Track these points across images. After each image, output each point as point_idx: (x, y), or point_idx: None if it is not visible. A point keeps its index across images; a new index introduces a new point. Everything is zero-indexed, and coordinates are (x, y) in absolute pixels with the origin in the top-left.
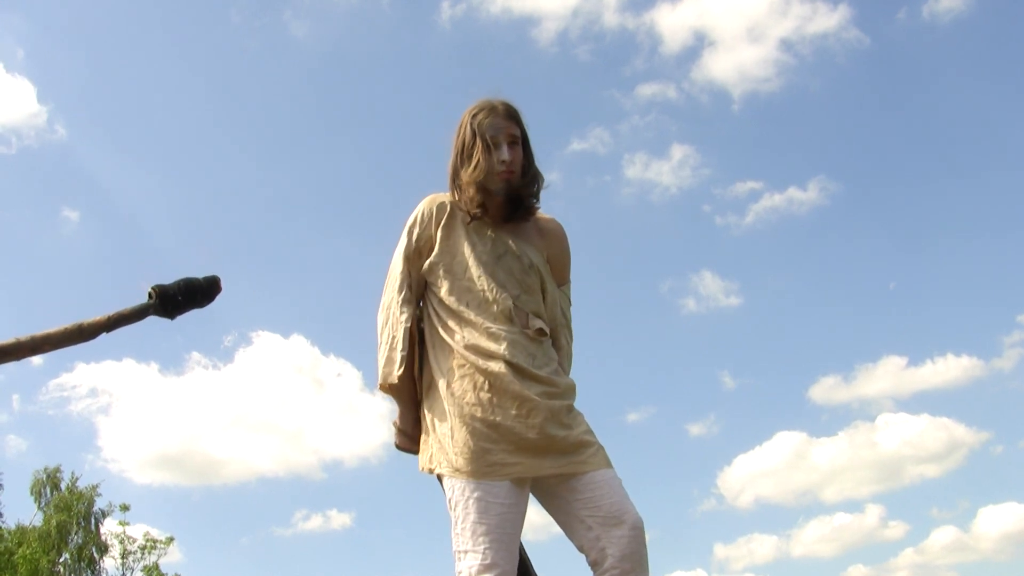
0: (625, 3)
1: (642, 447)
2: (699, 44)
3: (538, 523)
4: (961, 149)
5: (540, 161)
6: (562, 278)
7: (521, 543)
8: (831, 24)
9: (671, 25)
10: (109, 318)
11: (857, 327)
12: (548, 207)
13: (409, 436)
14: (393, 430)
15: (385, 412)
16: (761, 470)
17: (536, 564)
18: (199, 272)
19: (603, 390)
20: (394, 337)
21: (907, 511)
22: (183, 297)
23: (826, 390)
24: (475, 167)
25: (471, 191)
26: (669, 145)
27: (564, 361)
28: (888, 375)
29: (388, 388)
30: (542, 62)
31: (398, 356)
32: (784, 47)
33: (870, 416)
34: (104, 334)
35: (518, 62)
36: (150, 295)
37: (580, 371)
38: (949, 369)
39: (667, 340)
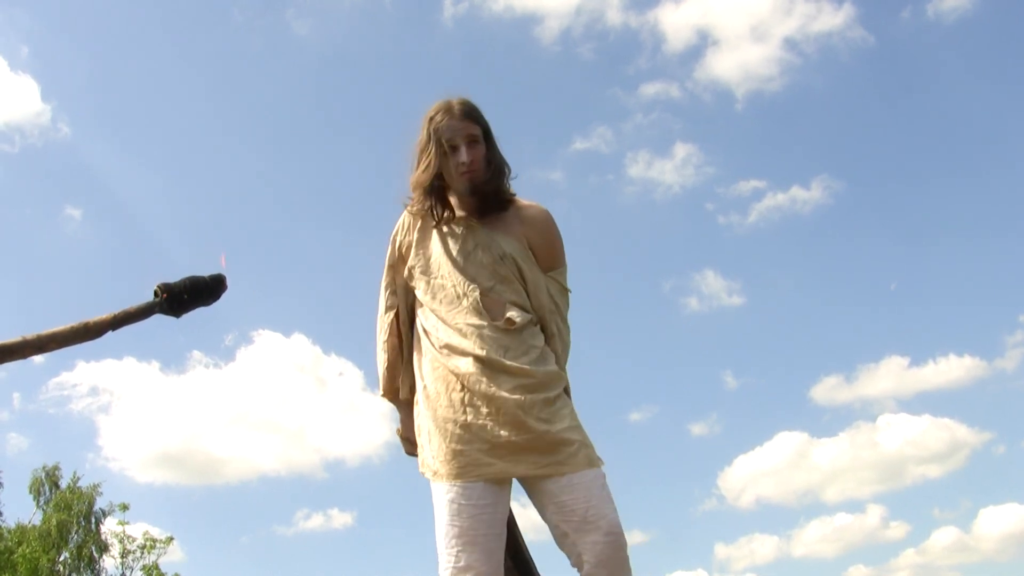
0: (628, 1)
1: (644, 447)
2: (703, 43)
3: (539, 523)
4: (965, 148)
5: (543, 159)
6: (550, 263)
7: (524, 543)
8: (835, 23)
9: (674, 24)
10: (115, 316)
11: (859, 327)
12: (550, 206)
13: (413, 442)
14: (399, 438)
15: (387, 411)
16: (762, 470)
17: (537, 563)
18: (203, 271)
19: (605, 389)
20: (381, 349)
21: (908, 511)
22: (189, 295)
23: (828, 390)
24: (423, 169)
25: (417, 193)
26: (672, 144)
27: (557, 347)
28: (890, 375)
29: (392, 400)
30: (545, 61)
31: (381, 370)
32: (788, 46)
33: (871, 416)
34: (110, 332)
35: (521, 61)
36: (156, 293)
37: (582, 370)
38: (951, 369)
39: (669, 339)
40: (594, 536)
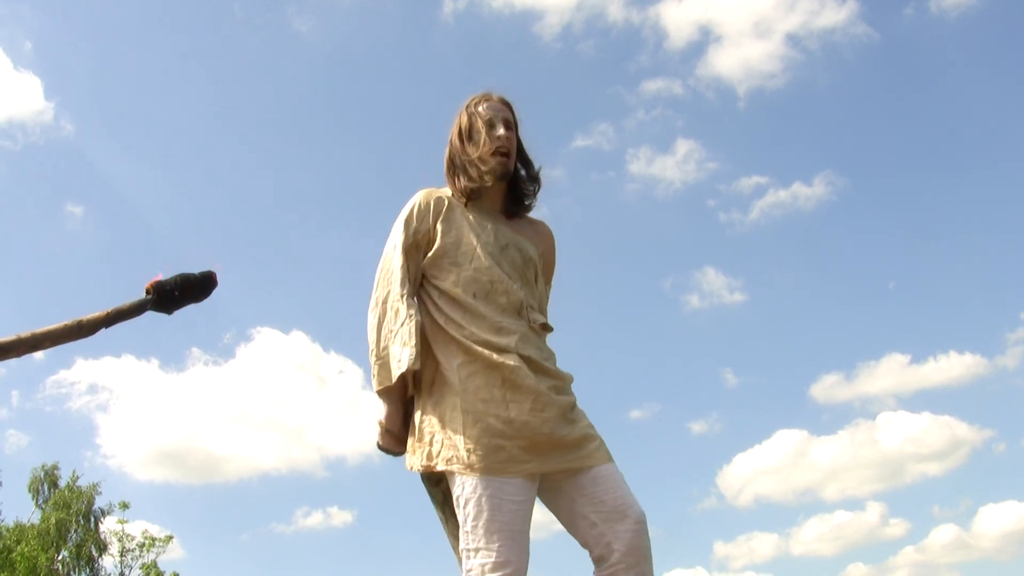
0: None
1: (644, 445)
2: (705, 39)
3: (538, 521)
4: (967, 145)
5: (544, 156)
6: (547, 278)
7: None
8: (839, 19)
9: (676, 20)
10: (108, 314)
11: (860, 324)
12: (552, 204)
13: (395, 436)
14: (378, 429)
15: None
16: (762, 468)
17: (536, 562)
18: (202, 268)
19: (605, 387)
20: (404, 329)
21: (908, 509)
22: (179, 292)
23: (828, 388)
24: (483, 143)
25: (483, 167)
26: (674, 140)
27: None
28: (890, 373)
29: (384, 390)
30: (546, 57)
31: (412, 349)
32: (791, 42)
33: (871, 414)
34: (103, 329)
35: (522, 57)
36: (147, 291)
37: (582, 368)
38: (952, 367)
39: (670, 337)
40: (624, 525)
